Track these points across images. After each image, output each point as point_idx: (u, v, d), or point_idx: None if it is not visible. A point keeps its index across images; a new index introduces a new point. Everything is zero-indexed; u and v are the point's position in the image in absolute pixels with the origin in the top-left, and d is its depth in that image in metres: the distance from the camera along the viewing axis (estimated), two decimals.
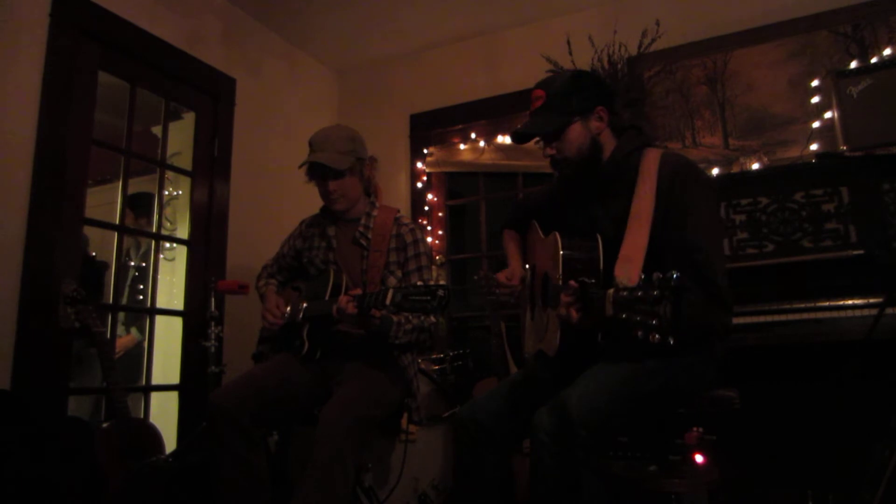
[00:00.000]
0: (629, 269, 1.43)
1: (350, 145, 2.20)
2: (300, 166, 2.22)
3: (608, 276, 1.52)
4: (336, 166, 2.13)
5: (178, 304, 3.04)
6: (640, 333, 1.18)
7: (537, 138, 1.77)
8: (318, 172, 2.19)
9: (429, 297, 1.75)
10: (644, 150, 1.67)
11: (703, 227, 1.54)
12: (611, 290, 1.28)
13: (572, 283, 1.43)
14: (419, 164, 3.87)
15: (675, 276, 1.13)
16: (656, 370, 1.53)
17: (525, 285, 1.95)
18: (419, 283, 1.82)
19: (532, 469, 1.47)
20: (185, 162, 3.16)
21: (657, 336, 1.14)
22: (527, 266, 1.99)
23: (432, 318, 2.14)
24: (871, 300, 2.14)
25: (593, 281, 1.45)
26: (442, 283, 1.80)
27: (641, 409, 1.56)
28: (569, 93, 1.67)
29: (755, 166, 2.94)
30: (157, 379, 2.95)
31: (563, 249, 1.61)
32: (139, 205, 3.39)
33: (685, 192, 1.56)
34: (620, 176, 1.65)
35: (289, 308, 2.25)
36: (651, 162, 1.62)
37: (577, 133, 1.67)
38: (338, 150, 2.16)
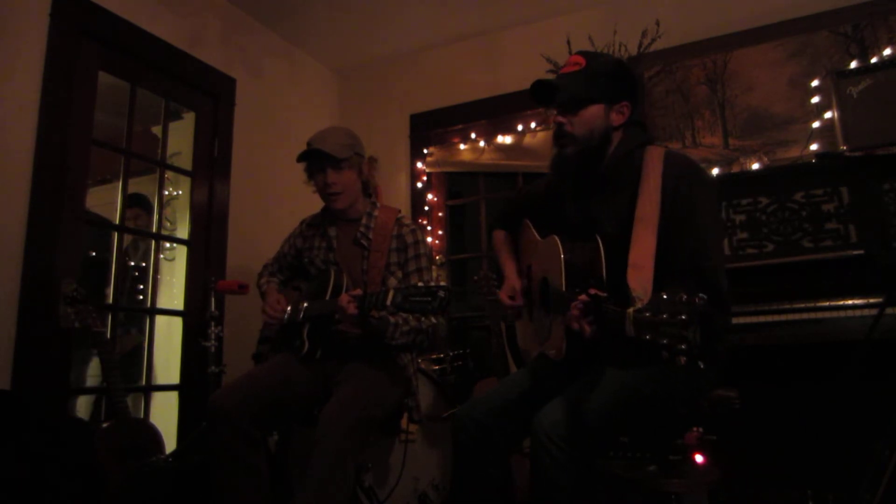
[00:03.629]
0: (641, 278, 1.38)
1: (349, 140, 2.24)
2: (299, 157, 2.24)
3: (611, 279, 1.50)
4: (336, 154, 2.16)
5: (178, 304, 3.04)
6: (667, 355, 1.13)
7: (545, 108, 1.73)
8: (317, 165, 2.21)
9: (429, 298, 1.75)
10: (646, 147, 1.65)
11: (709, 230, 1.53)
12: (630, 310, 1.22)
13: (583, 297, 1.38)
14: (419, 164, 3.87)
15: (702, 299, 1.09)
16: (659, 373, 1.52)
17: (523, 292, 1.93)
18: (419, 283, 1.82)
19: (532, 469, 1.47)
20: (185, 162, 3.16)
21: (685, 359, 1.10)
22: (522, 270, 1.97)
23: (432, 320, 2.15)
24: (872, 300, 2.15)
25: (605, 294, 1.38)
26: (443, 283, 1.79)
27: (643, 412, 1.56)
28: (606, 74, 1.63)
29: (755, 166, 2.94)
30: (157, 379, 2.95)
31: (564, 254, 1.57)
32: (145, 202, 3.41)
33: (691, 193, 1.54)
34: (623, 173, 1.63)
35: (289, 307, 2.25)
36: (654, 161, 1.59)
37: (595, 114, 1.62)
38: (337, 143, 2.20)
